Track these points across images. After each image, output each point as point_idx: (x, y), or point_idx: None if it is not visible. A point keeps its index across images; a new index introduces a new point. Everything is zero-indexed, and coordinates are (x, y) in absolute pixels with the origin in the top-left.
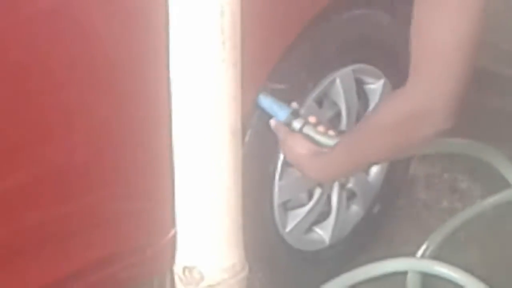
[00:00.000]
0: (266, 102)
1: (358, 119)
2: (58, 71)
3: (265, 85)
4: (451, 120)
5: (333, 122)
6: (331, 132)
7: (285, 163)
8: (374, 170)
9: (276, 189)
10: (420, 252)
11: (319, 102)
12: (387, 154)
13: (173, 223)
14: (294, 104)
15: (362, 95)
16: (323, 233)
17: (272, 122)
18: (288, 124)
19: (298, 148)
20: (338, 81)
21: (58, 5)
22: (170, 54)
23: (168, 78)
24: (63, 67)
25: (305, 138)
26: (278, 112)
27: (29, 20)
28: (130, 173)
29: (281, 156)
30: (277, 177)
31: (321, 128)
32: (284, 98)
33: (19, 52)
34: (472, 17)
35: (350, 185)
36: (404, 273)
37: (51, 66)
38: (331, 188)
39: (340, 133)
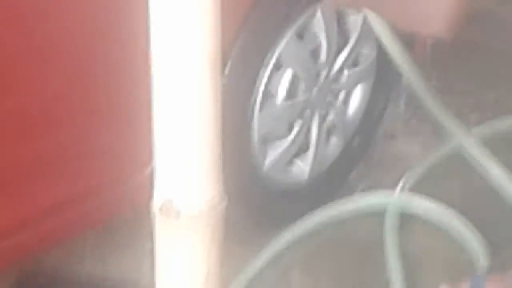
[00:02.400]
0: None
1: (338, 51)
2: (32, 12)
3: None
4: (452, 30)
5: (314, 54)
6: None
7: (265, 94)
8: (354, 103)
9: (256, 121)
10: (399, 186)
11: (300, 34)
12: None
13: (150, 158)
14: None
15: (343, 28)
16: (303, 165)
17: None
18: None
19: None
20: (319, 12)
21: None
22: None
23: (146, 7)
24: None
25: None
26: None
27: None
28: (106, 107)
29: (262, 87)
30: (257, 108)
31: None
32: (265, 29)
33: None
34: None
35: (330, 117)
36: (383, 209)
37: (21, 8)
38: (311, 120)
39: None
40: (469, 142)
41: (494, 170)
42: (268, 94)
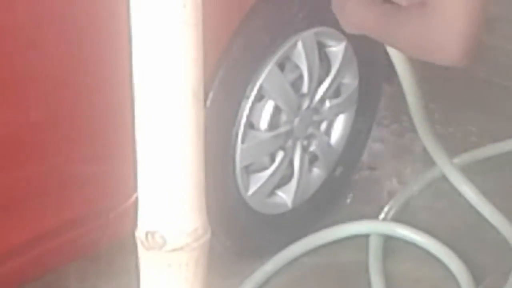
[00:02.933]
0: None
1: (320, 82)
2: (10, 29)
3: None
4: (465, 60)
5: (295, 85)
6: None
7: (247, 125)
8: (336, 133)
9: (239, 152)
10: (382, 215)
11: (281, 65)
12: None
13: (135, 187)
14: None
15: (324, 58)
16: (286, 196)
17: None
18: None
19: None
20: (300, 44)
21: None
22: (130, 16)
23: (128, 40)
24: (17, 26)
25: None
26: None
27: None
28: (91, 136)
29: (243, 119)
30: (239, 140)
31: None
32: (247, 60)
33: None
34: None
35: (312, 148)
36: (367, 235)
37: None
38: (293, 151)
39: None
40: (449, 169)
41: (472, 198)
42: (250, 126)
